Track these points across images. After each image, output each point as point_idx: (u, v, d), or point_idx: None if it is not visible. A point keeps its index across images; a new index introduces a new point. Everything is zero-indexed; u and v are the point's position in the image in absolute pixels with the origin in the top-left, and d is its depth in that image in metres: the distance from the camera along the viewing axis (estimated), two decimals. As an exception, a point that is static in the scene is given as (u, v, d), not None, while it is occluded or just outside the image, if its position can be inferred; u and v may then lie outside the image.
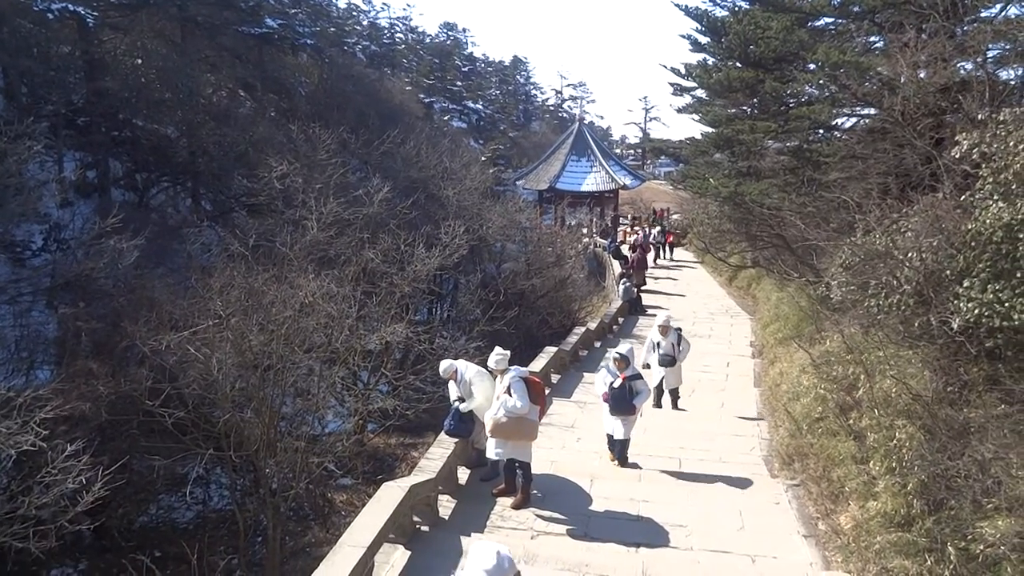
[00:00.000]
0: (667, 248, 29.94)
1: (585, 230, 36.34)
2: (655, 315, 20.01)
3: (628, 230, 34.72)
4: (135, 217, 15.33)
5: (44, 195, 14.62)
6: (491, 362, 7.60)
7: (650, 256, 27.09)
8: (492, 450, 7.47)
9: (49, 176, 16.66)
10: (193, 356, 9.16)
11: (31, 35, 18.04)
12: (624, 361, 8.40)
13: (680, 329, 11.37)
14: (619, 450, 8.68)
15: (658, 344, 11.02)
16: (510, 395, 7.18)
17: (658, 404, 11.35)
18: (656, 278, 24.80)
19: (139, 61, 21.44)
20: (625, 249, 26.64)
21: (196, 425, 9.10)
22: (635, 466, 8.66)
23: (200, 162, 20.15)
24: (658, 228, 31.54)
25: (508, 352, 7.66)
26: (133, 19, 21.51)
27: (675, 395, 11.43)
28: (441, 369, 8.15)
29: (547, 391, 11.85)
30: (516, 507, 7.43)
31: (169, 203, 21.97)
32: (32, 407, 7.17)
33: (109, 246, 12.23)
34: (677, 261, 29.70)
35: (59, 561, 9.71)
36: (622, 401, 8.34)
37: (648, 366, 10.92)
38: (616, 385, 8.35)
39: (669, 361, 10.95)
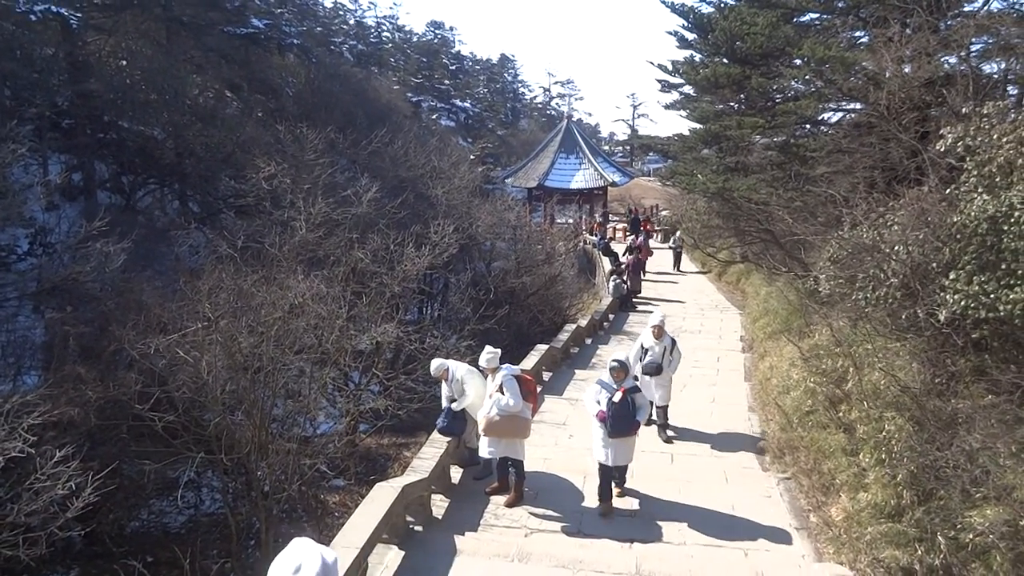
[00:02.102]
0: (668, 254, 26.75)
1: (585, 228, 35.90)
2: (647, 311, 20.11)
3: (619, 228, 34.42)
4: (122, 220, 15.21)
5: (29, 198, 14.47)
6: (482, 361, 7.59)
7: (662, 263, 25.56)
8: (485, 448, 7.47)
9: (34, 179, 16.45)
10: (182, 359, 9.10)
11: (14, 37, 17.81)
12: (623, 370, 7.28)
13: (672, 336, 9.79)
14: (620, 476, 7.61)
15: (648, 350, 9.47)
16: (503, 393, 7.18)
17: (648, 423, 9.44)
18: (655, 281, 23.74)
19: (124, 62, 21.25)
20: (615, 246, 26.58)
21: (187, 428, 9.05)
22: (633, 493, 7.73)
23: (187, 164, 20.00)
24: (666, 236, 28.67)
25: (498, 350, 7.66)
26: (117, 20, 21.29)
27: (664, 414, 9.75)
28: (432, 368, 8.12)
29: (539, 389, 11.87)
30: (509, 505, 7.44)
31: (156, 205, 21.82)
32: (20, 413, 7.10)
33: (96, 249, 12.12)
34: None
35: (50, 568, 9.61)
36: (625, 419, 7.12)
37: (636, 378, 8.96)
38: (616, 399, 7.10)
39: (654, 369, 9.35)
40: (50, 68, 18.60)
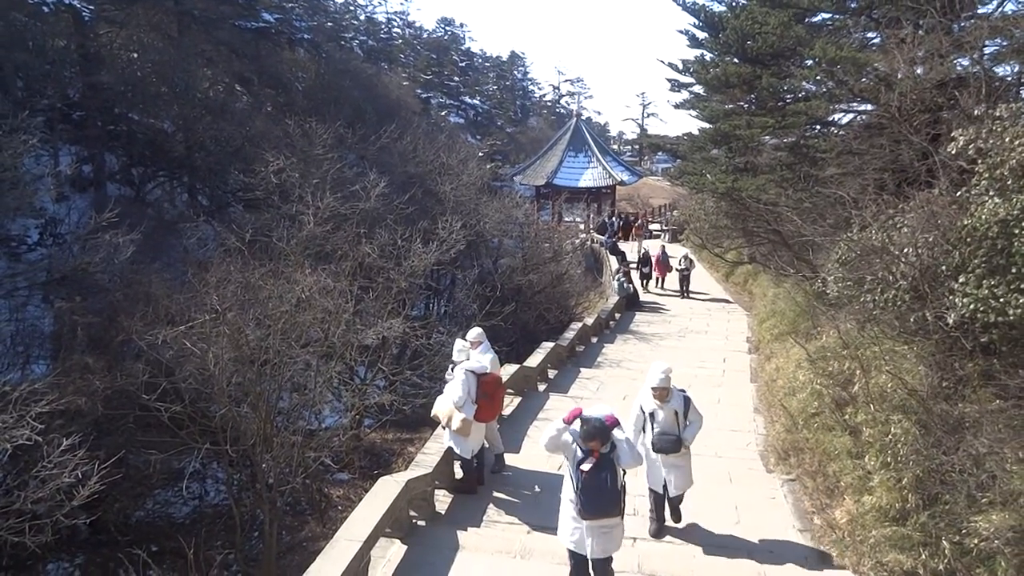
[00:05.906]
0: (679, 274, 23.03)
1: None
2: (655, 309, 20.06)
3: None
4: (131, 211, 15.29)
5: (39, 189, 14.54)
6: (454, 355, 7.71)
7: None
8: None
9: (44, 170, 16.57)
10: (189, 351, 9.12)
11: (26, 28, 17.92)
12: (601, 435, 4.92)
13: (685, 392, 6.90)
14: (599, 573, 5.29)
15: (651, 415, 6.63)
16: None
17: (658, 531, 6.95)
18: (659, 294, 22.81)
19: (135, 55, 21.36)
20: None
21: (192, 420, 9.08)
22: None
23: (196, 157, 20.06)
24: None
25: (467, 345, 7.75)
26: (129, 13, 21.39)
27: (677, 502, 7.02)
28: (472, 335, 8.16)
29: (542, 387, 11.87)
30: (454, 490, 7.54)
31: (165, 198, 21.90)
32: (28, 401, 7.14)
33: (105, 241, 12.18)
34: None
35: (55, 556, 9.69)
36: (601, 494, 4.90)
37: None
38: (587, 467, 4.90)
39: (670, 444, 6.56)
40: (62, 60, 18.70)
